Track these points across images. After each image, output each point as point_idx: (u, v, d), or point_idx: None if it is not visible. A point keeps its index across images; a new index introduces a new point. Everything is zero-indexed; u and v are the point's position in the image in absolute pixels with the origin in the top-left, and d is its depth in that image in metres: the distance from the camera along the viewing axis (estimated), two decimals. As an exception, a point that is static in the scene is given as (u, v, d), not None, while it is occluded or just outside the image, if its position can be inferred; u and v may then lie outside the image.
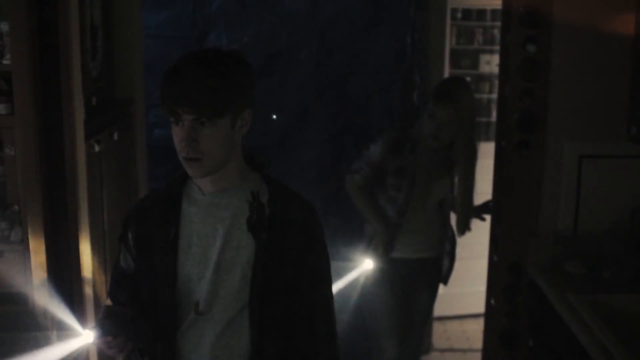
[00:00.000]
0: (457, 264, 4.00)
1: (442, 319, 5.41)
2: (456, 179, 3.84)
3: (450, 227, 3.93)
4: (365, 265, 3.78)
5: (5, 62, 3.16)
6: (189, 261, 2.08)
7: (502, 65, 3.83)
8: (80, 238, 3.46)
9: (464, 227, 3.85)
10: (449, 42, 5.50)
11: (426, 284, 3.98)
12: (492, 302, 3.98)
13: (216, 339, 2.10)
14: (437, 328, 5.36)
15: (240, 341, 2.10)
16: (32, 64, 3.17)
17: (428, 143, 3.65)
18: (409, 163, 3.67)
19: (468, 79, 5.57)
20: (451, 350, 5.21)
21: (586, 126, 3.65)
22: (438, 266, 3.96)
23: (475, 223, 3.92)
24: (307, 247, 2.13)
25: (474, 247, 4.12)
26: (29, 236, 3.25)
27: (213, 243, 2.07)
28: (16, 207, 3.31)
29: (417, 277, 3.91)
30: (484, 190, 3.98)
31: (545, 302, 3.42)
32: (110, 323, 2.01)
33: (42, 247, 3.26)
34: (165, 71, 1.97)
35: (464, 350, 5.16)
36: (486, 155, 4.05)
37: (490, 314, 4.03)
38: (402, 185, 3.69)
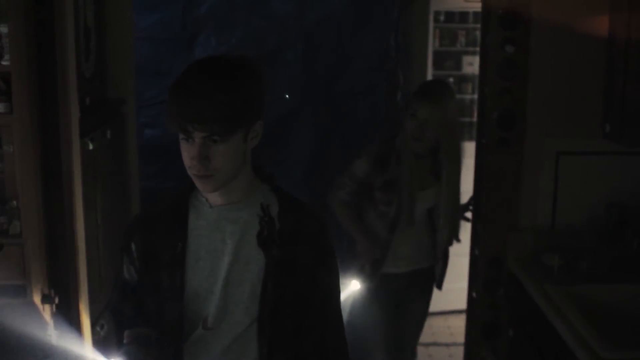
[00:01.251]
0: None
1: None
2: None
3: (441, 232, 3.77)
4: (352, 287, 3.64)
5: (4, 63, 3.26)
6: (197, 276, 2.00)
7: (482, 65, 3.90)
8: (76, 231, 3.55)
9: (453, 236, 3.74)
10: (432, 44, 5.58)
11: (419, 294, 3.89)
12: (474, 294, 4.05)
13: (223, 353, 2.03)
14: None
15: (248, 356, 2.04)
16: (30, 65, 3.27)
17: (411, 145, 3.51)
18: (397, 176, 3.55)
19: (451, 80, 5.70)
20: (435, 344, 5.29)
21: (563, 124, 3.71)
22: (431, 274, 3.86)
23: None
24: (318, 262, 2.05)
25: (458, 245, 4.16)
26: (27, 230, 3.35)
27: (222, 258, 1.99)
28: (14, 202, 3.41)
29: (410, 290, 3.82)
30: (467, 189, 4.00)
31: (525, 294, 3.48)
32: (136, 349, 1.91)
33: (40, 240, 3.36)
34: (172, 84, 1.88)
35: (447, 345, 5.24)
36: (470, 155, 4.08)
37: (472, 306, 4.10)
38: (392, 199, 3.58)
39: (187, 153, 1.89)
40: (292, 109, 4.62)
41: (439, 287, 3.91)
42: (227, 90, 1.83)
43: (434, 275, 3.86)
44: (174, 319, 2.00)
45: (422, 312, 3.96)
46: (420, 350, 5.13)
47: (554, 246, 3.68)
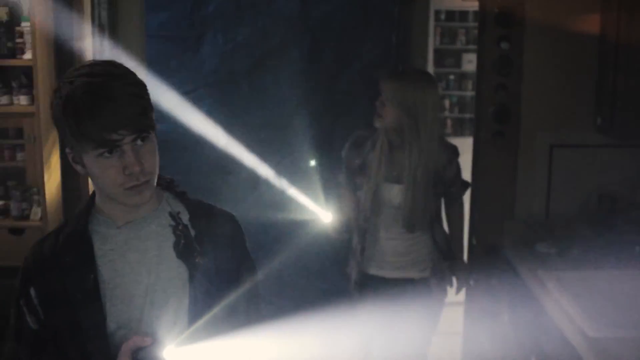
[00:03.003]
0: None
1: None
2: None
3: (440, 245, 3.51)
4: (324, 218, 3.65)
5: (26, 57, 3.43)
6: (116, 306, 1.76)
7: (479, 62, 4.00)
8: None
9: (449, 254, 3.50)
10: (433, 42, 5.70)
11: (411, 308, 3.47)
12: (471, 282, 4.04)
13: None
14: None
15: None
16: (50, 60, 3.44)
17: (375, 122, 3.36)
18: (369, 161, 3.42)
19: (451, 77, 5.83)
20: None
21: (556, 118, 3.78)
22: (422, 287, 3.50)
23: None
24: (238, 261, 1.91)
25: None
26: (47, 215, 3.51)
27: (141, 280, 1.77)
28: (35, 189, 3.59)
29: (400, 300, 3.47)
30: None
31: (519, 280, 3.55)
32: None
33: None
34: (68, 106, 1.62)
35: (448, 334, 5.31)
36: (468, 150, 4.14)
37: (470, 292, 4.15)
38: (363, 185, 3.46)
39: (116, 167, 1.66)
40: (297, 104, 4.73)
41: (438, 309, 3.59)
42: (134, 83, 1.68)
43: (427, 293, 3.50)
44: (101, 358, 1.75)
45: (415, 329, 3.49)
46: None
47: (548, 234, 3.74)
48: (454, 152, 3.47)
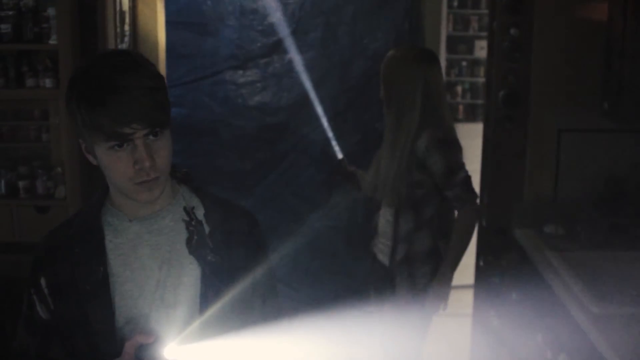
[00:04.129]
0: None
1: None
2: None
3: (421, 244, 3.30)
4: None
5: (51, 42, 3.55)
6: (126, 301, 1.72)
7: (490, 48, 4.09)
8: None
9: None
10: (445, 29, 5.73)
11: (384, 296, 3.43)
12: (481, 262, 4.25)
13: None
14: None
15: None
16: (74, 45, 3.56)
17: None
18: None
19: (464, 63, 5.89)
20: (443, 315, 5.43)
21: (564, 103, 3.82)
22: (390, 279, 3.37)
23: None
24: (254, 259, 1.84)
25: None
26: (71, 194, 3.64)
27: (151, 275, 1.73)
28: (59, 169, 3.72)
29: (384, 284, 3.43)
30: (476, 167, 4.01)
31: (527, 260, 3.64)
32: None
33: (82, 204, 3.64)
34: (80, 95, 1.59)
35: (458, 315, 5.39)
36: (481, 135, 4.21)
37: (479, 272, 4.29)
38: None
39: (127, 161, 1.60)
40: (311, 89, 4.78)
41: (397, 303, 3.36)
42: (149, 76, 1.62)
43: (392, 281, 3.35)
44: (109, 354, 1.70)
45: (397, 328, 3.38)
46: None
47: (555, 217, 3.81)
48: (440, 142, 3.19)
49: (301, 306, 4.59)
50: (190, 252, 1.73)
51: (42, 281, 1.75)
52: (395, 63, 3.26)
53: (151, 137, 1.60)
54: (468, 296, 4.67)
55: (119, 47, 4.03)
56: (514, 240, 3.91)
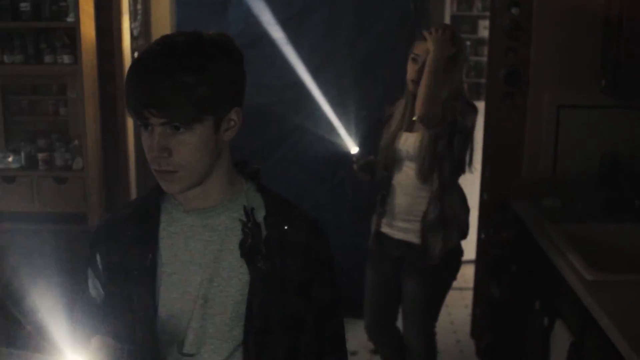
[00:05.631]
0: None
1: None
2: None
3: (450, 206, 3.36)
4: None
5: (69, 20, 3.66)
6: (171, 293, 1.65)
7: (492, 27, 4.15)
8: (129, 167, 3.97)
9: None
10: (449, 9, 5.83)
11: (412, 272, 3.46)
12: (482, 235, 4.31)
13: None
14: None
15: None
16: (90, 23, 3.67)
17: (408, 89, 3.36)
18: (395, 111, 3.48)
19: (468, 43, 5.96)
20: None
21: (563, 80, 3.87)
22: (422, 253, 3.36)
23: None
24: (312, 275, 1.70)
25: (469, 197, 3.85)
26: (88, 165, 3.75)
27: (199, 272, 1.64)
28: (77, 141, 3.84)
29: (404, 263, 3.47)
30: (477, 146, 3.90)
31: (526, 233, 3.69)
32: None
33: (99, 175, 3.77)
34: (128, 71, 1.55)
35: (461, 289, 5.48)
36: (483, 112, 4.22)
37: (481, 246, 4.35)
38: (383, 134, 3.49)
39: (146, 144, 1.55)
40: (316, 68, 4.84)
41: (434, 265, 3.37)
42: (192, 68, 1.50)
43: (428, 255, 3.35)
44: (146, 342, 1.66)
45: (414, 293, 3.47)
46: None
47: (554, 190, 3.88)
48: (472, 107, 3.30)
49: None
50: (241, 255, 1.63)
51: (97, 257, 1.71)
52: (430, 40, 3.30)
53: (169, 129, 1.52)
54: (470, 271, 4.76)
55: (132, 25, 4.12)
56: (514, 213, 3.95)
